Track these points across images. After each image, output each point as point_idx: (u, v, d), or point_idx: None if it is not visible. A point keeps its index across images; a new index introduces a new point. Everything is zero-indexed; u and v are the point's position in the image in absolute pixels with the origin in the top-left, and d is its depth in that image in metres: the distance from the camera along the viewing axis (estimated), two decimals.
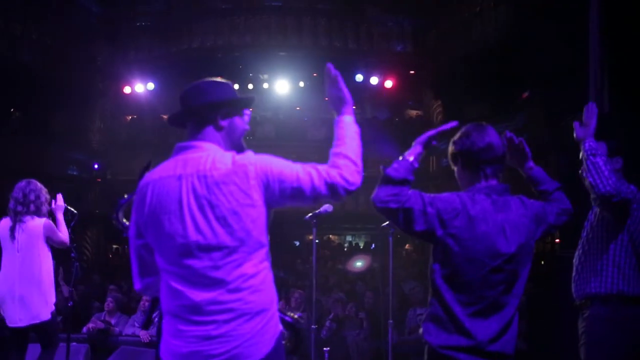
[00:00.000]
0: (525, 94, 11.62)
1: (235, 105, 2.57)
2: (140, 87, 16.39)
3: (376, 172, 2.72)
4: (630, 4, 5.48)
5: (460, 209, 2.63)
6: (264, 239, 2.33)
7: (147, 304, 8.12)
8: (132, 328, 7.84)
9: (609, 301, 3.22)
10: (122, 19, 16.60)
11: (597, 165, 3.16)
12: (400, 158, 2.70)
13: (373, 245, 24.71)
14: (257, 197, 2.29)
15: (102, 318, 8.04)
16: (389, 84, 15.99)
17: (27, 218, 5.06)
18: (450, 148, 2.86)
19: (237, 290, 2.25)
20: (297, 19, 15.69)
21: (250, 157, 2.34)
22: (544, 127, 10.95)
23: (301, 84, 16.87)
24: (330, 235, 26.02)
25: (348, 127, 2.49)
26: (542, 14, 10.73)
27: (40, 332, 5.11)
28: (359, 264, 13.32)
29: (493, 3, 13.07)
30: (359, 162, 2.42)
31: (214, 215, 2.27)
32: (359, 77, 16.02)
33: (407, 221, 2.63)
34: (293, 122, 16.85)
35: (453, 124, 2.77)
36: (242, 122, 2.53)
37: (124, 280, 10.03)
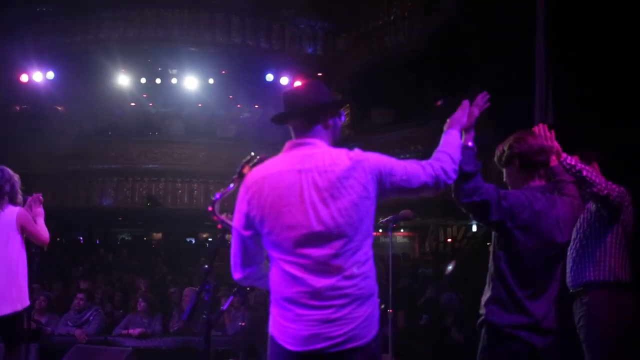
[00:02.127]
0: (439, 102, 12.25)
1: (340, 106, 2.71)
2: (38, 76, 15.60)
3: None
4: (575, 14, 5.97)
5: (527, 204, 2.93)
6: (372, 228, 2.49)
7: (81, 302, 7.88)
8: (65, 327, 7.56)
9: (607, 287, 3.65)
10: (20, 4, 15.69)
11: (587, 178, 3.48)
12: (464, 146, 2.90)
13: None
14: (372, 189, 2.45)
15: (32, 317, 7.67)
16: (298, 84, 16.20)
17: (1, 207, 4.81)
18: (506, 150, 3.14)
19: (352, 276, 2.39)
20: (210, 15, 15.57)
21: (364, 153, 2.50)
22: None
23: (210, 80, 16.78)
24: (226, 235, 25.90)
25: (455, 138, 2.74)
26: (458, 26, 11.43)
27: (9, 325, 4.85)
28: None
29: (407, 13, 13.68)
30: (457, 162, 2.65)
31: (336, 206, 2.40)
32: (270, 77, 16.18)
33: (484, 212, 2.92)
34: (202, 119, 16.71)
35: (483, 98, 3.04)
36: (341, 121, 2.68)
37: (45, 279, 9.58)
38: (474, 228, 18.72)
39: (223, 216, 2.93)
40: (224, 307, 3.66)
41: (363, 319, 2.40)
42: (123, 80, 16.07)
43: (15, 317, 4.84)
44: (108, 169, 14.87)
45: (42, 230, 4.90)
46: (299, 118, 2.60)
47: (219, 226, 2.94)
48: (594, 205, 3.74)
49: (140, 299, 7.73)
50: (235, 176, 2.82)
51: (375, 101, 16.06)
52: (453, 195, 2.94)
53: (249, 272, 2.60)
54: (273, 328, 2.49)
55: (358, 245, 2.43)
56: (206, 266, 3.35)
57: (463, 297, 8.47)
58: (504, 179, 3.26)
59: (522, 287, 2.94)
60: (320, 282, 2.38)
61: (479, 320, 3.07)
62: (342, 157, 2.47)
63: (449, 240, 19.73)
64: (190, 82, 16.52)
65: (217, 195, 2.96)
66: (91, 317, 7.70)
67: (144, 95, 17.56)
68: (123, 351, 5.91)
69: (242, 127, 16.67)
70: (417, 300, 9.19)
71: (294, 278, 2.41)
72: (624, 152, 4.89)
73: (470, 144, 2.93)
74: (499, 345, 2.95)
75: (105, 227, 19.63)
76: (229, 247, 2.75)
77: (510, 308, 2.93)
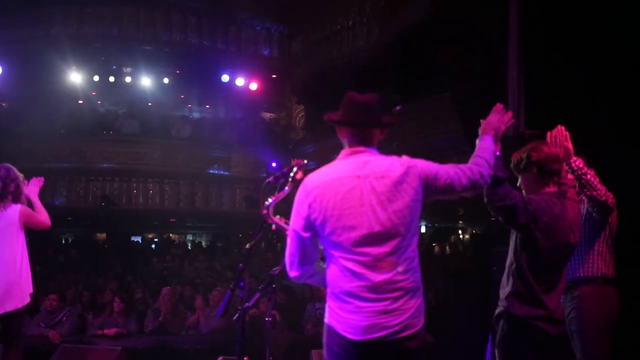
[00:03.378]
0: (398, 107, 12.61)
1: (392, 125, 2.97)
2: None
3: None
4: (548, 19, 6.20)
5: (547, 208, 3.24)
6: (418, 228, 2.75)
7: (54, 303, 7.83)
8: (38, 328, 7.50)
9: (594, 282, 4.03)
10: None
11: (590, 182, 3.87)
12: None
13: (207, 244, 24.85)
14: (420, 192, 2.71)
15: None
16: (253, 86, 16.38)
17: (3, 205, 4.83)
18: (524, 158, 3.44)
19: (405, 271, 2.64)
20: (166, 14, 15.51)
21: (413, 160, 2.74)
22: (412, 141, 12.01)
23: (165, 80, 16.69)
24: (170, 234, 25.69)
25: (489, 144, 2.99)
26: (418, 33, 11.81)
27: (12, 322, 4.86)
28: None
29: (365, 19, 14.02)
30: (492, 167, 2.93)
31: (392, 209, 2.63)
32: (225, 78, 16.26)
33: (513, 215, 3.21)
34: (157, 119, 16.58)
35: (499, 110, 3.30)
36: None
37: None
38: (422, 229, 19.25)
39: (277, 219, 3.12)
40: (249, 303, 3.83)
41: (414, 310, 2.65)
42: (75, 77, 15.77)
43: (18, 314, 4.88)
44: (60, 167, 14.56)
45: (43, 216, 4.98)
46: (362, 126, 2.82)
47: (274, 228, 3.12)
48: (584, 209, 4.09)
49: (116, 299, 7.74)
50: (289, 181, 3.02)
51: (329, 104, 16.28)
52: (486, 199, 3.21)
53: (304, 270, 2.80)
54: (332, 319, 2.70)
55: (409, 243, 2.68)
56: (240, 265, 3.53)
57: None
58: (518, 184, 3.56)
59: (539, 283, 3.25)
60: (378, 277, 2.61)
61: (497, 312, 3.38)
62: (395, 164, 2.72)
63: None
64: (145, 81, 16.41)
65: (272, 200, 3.14)
66: (64, 318, 7.65)
67: (93, 93, 17.28)
68: (113, 350, 5.94)
69: (197, 127, 16.64)
70: None
71: (354, 274, 2.63)
72: (598, 159, 5.27)
73: (498, 153, 3.21)
74: (519, 334, 3.26)
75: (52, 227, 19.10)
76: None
77: (529, 301, 3.24)
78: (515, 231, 3.36)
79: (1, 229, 4.79)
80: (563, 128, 3.80)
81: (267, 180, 3.62)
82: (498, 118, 3.16)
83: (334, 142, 11.54)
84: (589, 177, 3.84)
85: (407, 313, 2.62)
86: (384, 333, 2.59)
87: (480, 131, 3.15)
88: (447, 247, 19.43)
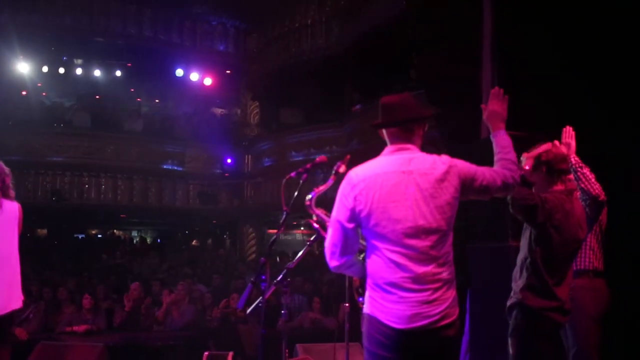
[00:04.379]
0: (357, 107, 12.80)
1: (432, 119, 3.06)
2: None
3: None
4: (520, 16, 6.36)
5: (559, 206, 3.42)
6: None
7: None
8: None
9: (587, 275, 4.27)
10: None
11: (585, 175, 4.14)
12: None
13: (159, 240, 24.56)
14: (459, 191, 2.83)
15: None
16: (208, 81, 16.26)
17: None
18: (534, 158, 3.61)
19: (444, 264, 2.77)
20: (121, 6, 15.19)
21: (453, 159, 2.86)
22: (373, 139, 12.20)
23: (118, 73, 16.35)
24: (115, 231, 25.19)
25: (507, 140, 3.10)
26: (380, 33, 12.00)
27: (9, 321, 4.75)
28: None
29: (324, 17, 14.12)
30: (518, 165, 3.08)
31: (434, 204, 2.75)
32: (180, 72, 16.08)
33: (533, 214, 3.39)
34: (108, 112, 16.23)
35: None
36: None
37: None
38: None
39: (318, 210, 3.19)
40: (266, 296, 3.87)
41: (452, 300, 2.78)
42: (23, 67, 15.26)
43: (15, 314, 4.77)
44: (7, 160, 13.98)
45: None
46: (405, 125, 2.92)
47: (315, 219, 3.19)
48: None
49: (86, 295, 7.59)
50: (332, 174, 3.11)
51: (285, 101, 16.38)
52: (511, 198, 3.36)
53: (345, 260, 2.88)
54: (374, 309, 2.79)
55: (447, 237, 2.81)
56: (262, 258, 3.59)
57: None
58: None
59: (552, 276, 3.44)
60: (420, 268, 2.72)
61: (510, 303, 3.55)
62: (437, 162, 2.83)
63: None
64: (96, 73, 16.04)
65: (314, 192, 3.21)
66: (31, 315, 7.48)
67: (39, 85, 16.76)
68: (95, 347, 5.83)
69: (150, 122, 16.39)
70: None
71: (398, 265, 2.74)
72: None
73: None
74: (533, 324, 3.44)
75: None
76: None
77: (542, 294, 3.43)
78: (530, 228, 3.52)
79: (5, 225, 4.65)
80: (571, 128, 4.07)
81: (289, 175, 3.70)
82: (500, 105, 3.16)
83: (291, 139, 11.74)
84: (585, 170, 4.08)
85: (446, 303, 2.75)
86: (425, 322, 2.71)
87: (488, 123, 3.18)
88: None
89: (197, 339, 7.71)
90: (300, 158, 14.16)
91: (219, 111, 19.21)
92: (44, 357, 5.70)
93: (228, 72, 17.07)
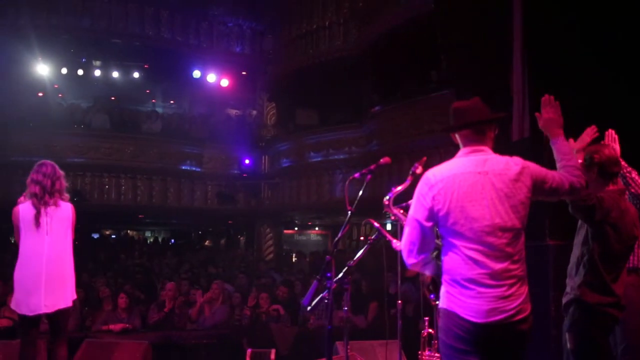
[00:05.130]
0: (376, 108, 12.90)
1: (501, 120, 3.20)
2: None
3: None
4: (550, 20, 6.41)
5: (615, 205, 3.56)
6: None
7: None
8: (42, 325, 7.40)
9: (635, 272, 4.26)
10: None
11: (634, 180, 4.20)
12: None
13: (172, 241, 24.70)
14: (531, 190, 2.96)
15: (4, 315, 7.46)
16: (225, 82, 16.35)
17: (54, 202, 4.86)
18: (587, 159, 3.74)
19: (518, 261, 2.91)
20: (139, 8, 15.33)
21: (525, 161, 3.00)
22: (392, 140, 12.31)
23: (135, 74, 16.49)
24: (129, 231, 25.36)
25: (567, 146, 3.25)
26: (399, 35, 12.11)
27: (62, 318, 4.91)
28: None
29: (342, 19, 14.24)
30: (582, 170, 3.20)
31: (509, 204, 2.89)
32: (197, 73, 16.18)
33: (592, 213, 3.53)
34: (127, 114, 16.37)
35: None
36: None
37: None
38: (388, 227, 19.65)
39: (396, 210, 3.32)
40: (324, 295, 3.98)
41: (525, 295, 2.91)
42: (42, 69, 15.40)
43: (69, 309, 4.94)
44: (28, 161, 14.13)
45: None
46: (477, 128, 3.04)
47: (392, 218, 3.32)
48: None
49: (122, 294, 7.71)
50: (409, 175, 3.25)
51: (301, 102, 16.50)
52: (571, 199, 3.47)
53: (422, 257, 3.01)
54: (452, 304, 2.91)
55: (521, 235, 2.95)
56: (328, 257, 3.71)
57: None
58: None
59: (608, 272, 3.57)
60: (497, 265, 2.86)
61: (566, 300, 3.67)
62: (510, 163, 2.97)
63: (362, 237, 20.55)
64: (114, 75, 16.17)
65: (391, 193, 3.35)
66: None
67: (55, 86, 16.90)
68: (140, 344, 5.95)
69: (168, 123, 16.52)
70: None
71: (476, 262, 2.87)
72: None
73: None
74: (590, 320, 3.57)
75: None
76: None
77: (599, 290, 3.56)
78: (586, 226, 3.64)
79: (57, 226, 4.84)
80: (613, 131, 4.16)
81: (353, 176, 3.82)
82: (554, 111, 3.30)
83: (310, 139, 11.86)
84: (633, 175, 4.18)
85: (520, 298, 2.88)
86: (502, 316, 2.83)
87: (545, 131, 3.34)
88: None
89: (230, 337, 7.83)
90: (319, 159, 14.27)
91: (233, 112, 19.34)
92: (91, 354, 5.82)
93: (244, 73, 17.19)
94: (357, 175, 3.73)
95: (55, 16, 14.78)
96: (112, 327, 7.40)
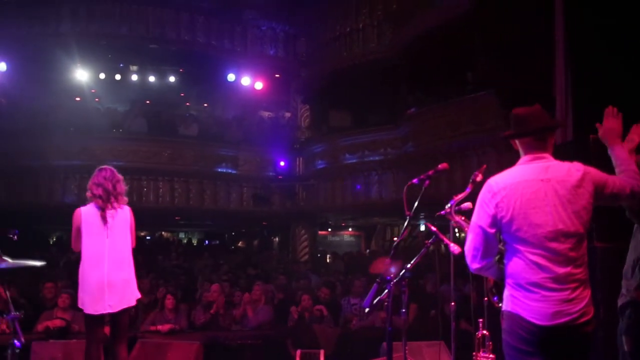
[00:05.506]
0: (412, 110, 12.95)
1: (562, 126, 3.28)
2: None
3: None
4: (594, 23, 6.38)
5: None
6: None
7: None
8: None
9: None
10: None
11: None
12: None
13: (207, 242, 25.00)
14: (593, 196, 3.03)
15: (56, 315, 7.68)
16: (259, 85, 16.53)
17: (115, 205, 5.05)
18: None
19: (581, 265, 3.00)
20: (175, 14, 15.59)
21: (586, 167, 3.07)
22: (428, 142, 12.36)
23: (172, 78, 16.78)
24: (163, 232, 25.74)
25: (625, 153, 3.30)
26: (434, 36, 12.14)
27: (124, 318, 5.09)
28: None
29: (376, 22, 14.31)
30: None
31: (572, 209, 2.98)
32: (231, 77, 16.38)
33: None
34: (163, 117, 16.66)
35: None
36: None
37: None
38: (422, 227, 19.63)
39: (458, 217, 3.42)
40: (382, 297, 4.07)
41: (588, 299, 2.99)
42: (81, 75, 15.75)
43: (130, 310, 5.11)
44: (69, 165, 14.53)
45: None
46: (539, 135, 3.12)
47: (454, 224, 3.42)
48: None
49: (168, 295, 7.89)
50: (470, 183, 3.33)
51: (334, 104, 16.63)
52: (630, 204, 3.52)
53: (485, 263, 3.10)
54: (516, 307, 3.01)
55: (584, 240, 3.02)
56: (388, 259, 3.81)
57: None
58: None
59: None
60: (560, 269, 2.95)
61: (622, 302, 3.70)
62: (572, 169, 3.05)
63: (395, 238, 20.59)
64: (150, 79, 16.49)
65: (453, 200, 3.44)
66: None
67: (92, 91, 17.25)
68: (192, 345, 6.12)
69: (203, 126, 16.75)
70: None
71: (540, 266, 2.96)
72: None
73: None
74: None
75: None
76: None
77: None
78: None
79: (119, 227, 5.03)
80: None
81: (411, 182, 3.91)
82: (616, 122, 3.40)
83: (344, 141, 11.98)
84: None
85: (584, 301, 2.96)
86: (567, 319, 2.91)
87: (604, 140, 3.40)
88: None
89: (275, 338, 7.96)
90: (354, 160, 14.37)
91: (266, 114, 19.53)
92: (145, 354, 6.00)
93: (277, 76, 17.35)
94: (415, 180, 3.81)
95: (94, 23, 15.11)
96: (159, 327, 7.56)
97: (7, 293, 3.65)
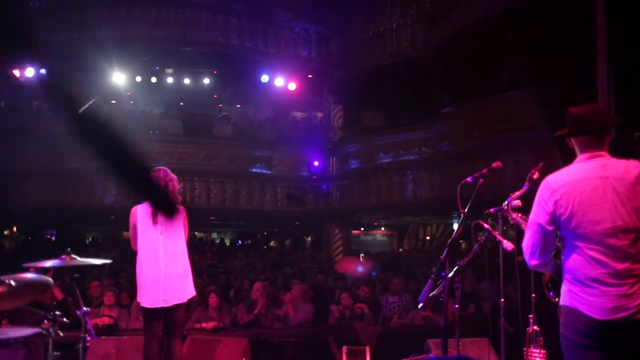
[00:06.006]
0: (446, 109, 12.98)
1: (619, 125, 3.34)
2: (30, 72, 15.44)
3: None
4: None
5: None
6: None
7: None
8: (139, 322, 7.78)
9: None
10: None
11: None
12: None
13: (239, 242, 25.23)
14: None
15: (103, 313, 7.87)
16: (292, 86, 16.66)
17: None
18: None
19: (638, 261, 3.02)
20: (211, 16, 15.81)
21: None
22: (464, 141, 12.37)
23: (206, 80, 17.01)
24: (196, 232, 26.01)
25: None
26: (469, 35, 12.14)
27: (178, 313, 5.23)
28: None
29: (410, 22, 14.35)
30: None
31: (631, 206, 3.04)
32: (265, 78, 16.54)
33: None
34: (198, 119, 16.90)
35: None
36: None
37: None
38: (455, 226, 19.60)
39: (515, 214, 3.50)
40: (435, 293, 4.14)
41: None
42: (118, 78, 16.04)
43: (184, 306, 5.26)
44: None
45: None
46: (596, 134, 3.18)
47: (512, 222, 3.49)
48: None
49: (212, 294, 8.03)
50: (527, 180, 3.41)
51: (367, 104, 16.70)
52: None
53: (543, 259, 3.18)
54: (575, 302, 3.08)
55: None
56: (442, 257, 3.88)
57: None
58: None
59: None
60: (619, 265, 3.00)
61: None
62: (629, 167, 3.10)
63: (428, 237, 20.62)
64: (185, 81, 16.74)
65: (510, 198, 3.52)
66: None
67: (128, 93, 17.53)
68: (240, 341, 6.25)
69: (237, 127, 16.95)
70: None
71: (599, 262, 3.02)
72: None
73: None
74: None
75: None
76: None
77: None
78: None
79: (174, 225, 5.16)
80: None
81: (465, 180, 3.98)
82: None
83: (379, 141, 12.00)
84: None
85: None
86: (625, 314, 2.96)
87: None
88: None
89: (316, 335, 8.06)
90: (389, 160, 14.41)
91: (298, 115, 19.68)
92: (196, 350, 6.15)
93: (310, 76, 17.48)
94: (469, 179, 3.88)
95: (132, 27, 15.38)
96: (204, 325, 7.71)
97: (77, 290, 3.80)
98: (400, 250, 19.99)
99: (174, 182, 5.41)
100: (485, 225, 3.94)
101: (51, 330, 3.47)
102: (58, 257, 3.91)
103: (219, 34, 15.95)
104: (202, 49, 16.07)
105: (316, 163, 16.02)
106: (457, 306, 4.01)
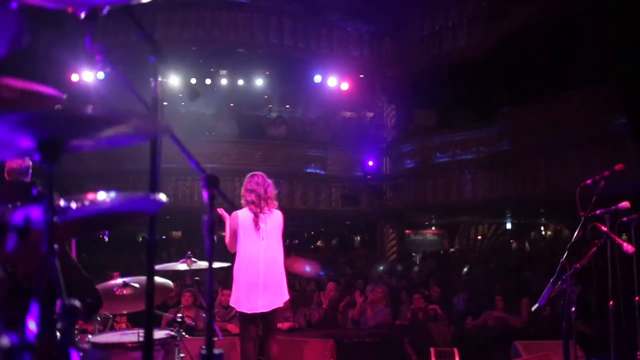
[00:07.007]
0: (506, 108, 12.84)
1: None
2: (89, 76, 15.73)
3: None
4: None
5: None
6: None
7: (228, 298, 8.22)
8: (217, 322, 7.89)
9: None
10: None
11: None
12: None
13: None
14: None
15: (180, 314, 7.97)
16: (345, 86, 16.66)
17: (267, 210, 5.26)
18: None
19: None
20: (264, 18, 15.90)
21: None
22: (525, 140, 12.22)
23: (259, 81, 17.13)
24: None
25: None
26: (526, 34, 11.99)
27: (275, 317, 5.30)
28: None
29: (466, 19, 14.22)
30: None
31: None
32: (318, 78, 16.57)
33: None
34: (252, 119, 17.03)
35: None
36: None
37: None
38: (508, 225, 19.43)
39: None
40: (548, 294, 4.10)
41: None
42: (173, 80, 16.25)
43: (281, 309, 5.31)
44: (166, 168, 14.98)
45: None
46: None
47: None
48: None
49: None
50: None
51: (419, 103, 16.61)
52: None
53: None
54: None
55: None
56: (562, 260, 3.84)
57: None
58: None
59: None
60: None
61: None
62: None
63: (479, 237, 20.44)
64: (239, 83, 16.89)
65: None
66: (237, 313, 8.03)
67: (181, 95, 17.75)
68: (326, 342, 6.29)
69: (291, 127, 17.03)
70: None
71: None
72: None
73: None
74: None
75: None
76: None
77: None
78: None
79: (272, 230, 5.22)
80: None
81: (585, 182, 3.93)
82: None
83: (435, 140, 11.98)
84: None
85: None
86: None
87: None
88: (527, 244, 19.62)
89: (391, 336, 8.06)
90: (446, 159, 14.31)
91: (348, 115, 19.67)
92: (282, 351, 6.18)
93: (362, 76, 17.46)
94: (589, 181, 3.83)
95: (186, 30, 15.57)
96: (279, 325, 7.77)
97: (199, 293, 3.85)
98: (452, 250, 19.84)
99: (271, 187, 5.46)
100: (604, 228, 3.90)
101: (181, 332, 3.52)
102: (180, 261, 3.96)
103: (273, 36, 16.03)
104: (256, 51, 16.20)
105: (371, 163, 16.00)
106: (573, 309, 3.95)
